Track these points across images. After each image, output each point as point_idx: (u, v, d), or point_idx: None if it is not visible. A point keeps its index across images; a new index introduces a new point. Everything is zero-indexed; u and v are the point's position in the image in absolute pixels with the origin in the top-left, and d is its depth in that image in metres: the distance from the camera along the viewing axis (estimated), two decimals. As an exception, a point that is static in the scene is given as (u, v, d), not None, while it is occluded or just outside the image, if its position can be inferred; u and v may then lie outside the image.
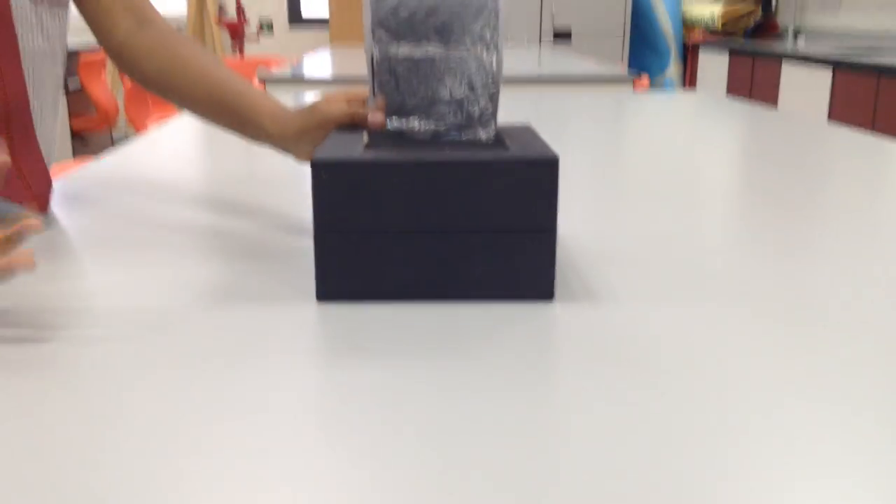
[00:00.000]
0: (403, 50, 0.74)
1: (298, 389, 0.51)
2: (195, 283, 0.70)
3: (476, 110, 0.75)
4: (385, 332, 0.60)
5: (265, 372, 0.53)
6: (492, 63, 0.74)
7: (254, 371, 0.53)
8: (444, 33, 0.73)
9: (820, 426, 0.46)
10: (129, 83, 3.66)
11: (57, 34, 0.93)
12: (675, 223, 0.90)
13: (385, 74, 0.75)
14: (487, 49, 0.73)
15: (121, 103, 5.37)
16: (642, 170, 1.19)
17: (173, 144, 1.40)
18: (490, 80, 0.74)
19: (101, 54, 4.39)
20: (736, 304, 0.65)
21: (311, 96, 3.17)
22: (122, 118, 5.59)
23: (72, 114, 4.69)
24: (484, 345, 0.57)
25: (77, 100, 4.83)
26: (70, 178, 1.12)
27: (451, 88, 0.75)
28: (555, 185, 0.64)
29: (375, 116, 0.74)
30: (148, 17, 0.95)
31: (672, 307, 0.65)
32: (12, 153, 0.85)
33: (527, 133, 0.76)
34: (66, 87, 4.57)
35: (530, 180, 0.64)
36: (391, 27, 0.73)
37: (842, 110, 3.73)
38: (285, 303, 0.66)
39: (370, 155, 0.65)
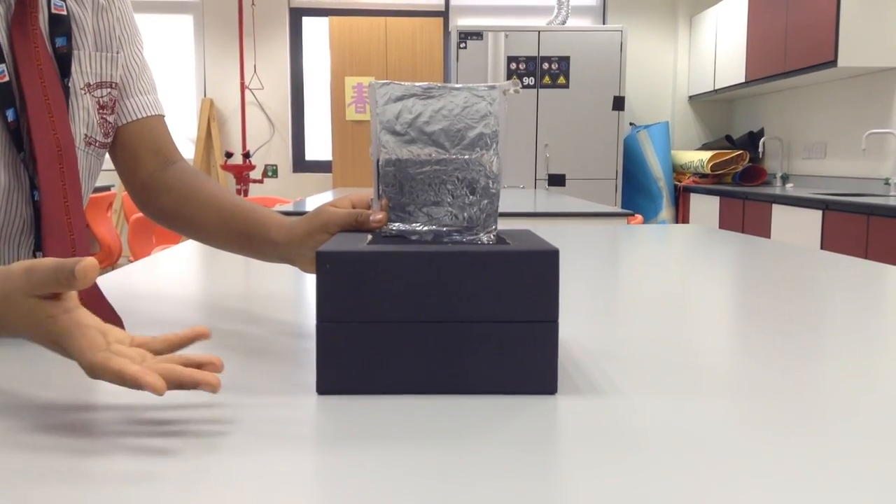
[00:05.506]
0: (407, 154, 0.76)
1: (295, 478, 0.49)
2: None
3: (477, 212, 0.77)
4: (385, 423, 0.58)
5: (260, 460, 0.52)
6: (492, 165, 0.76)
7: (248, 458, 0.52)
8: (446, 138, 0.76)
9: None
10: (132, 218, 3.73)
11: (95, 174, 0.98)
12: (673, 328, 0.90)
13: (389, 177, 0.77)
14: (488, 153, 0.76)
15: (124, 239, 5.45)
16: (640, 285, 1.19)
17: (174, 265, 1.41)
18: (490, 183, 0.76)
19: (107, 194, 4.50)
20: (740, 399, 0.64)
21: (318, 200, 3.23)
22: (124, 256, 5.66)
23: (75, 251, 4.74)
24: (487, 436, 0.56)
25: (81, 238, 4.89)
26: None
27: (453, 192, 0.77)
28: (555, 276, 0.65)
29: (377, 215, 0.76)
30: (172, 159, 1.01)
31: (678, 402, 0.64)
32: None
33: (527, 234, 0.77)
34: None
35: (532, 272, 0.64)
36: (396, 132, 0.76)
37: (833, 246, 3.80)
38: (284, 395, 0.65)
39: (373, 247, 0.66)
